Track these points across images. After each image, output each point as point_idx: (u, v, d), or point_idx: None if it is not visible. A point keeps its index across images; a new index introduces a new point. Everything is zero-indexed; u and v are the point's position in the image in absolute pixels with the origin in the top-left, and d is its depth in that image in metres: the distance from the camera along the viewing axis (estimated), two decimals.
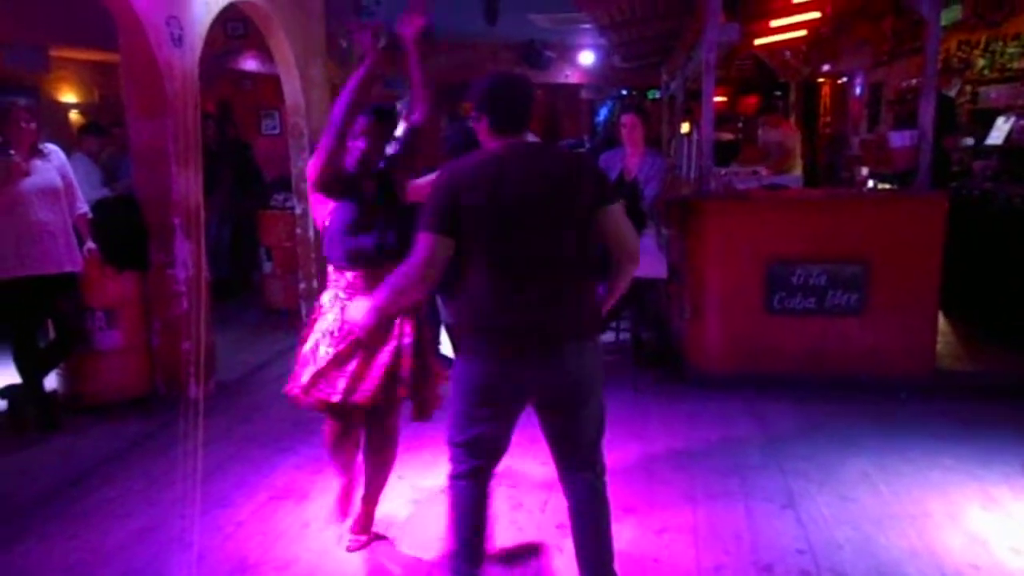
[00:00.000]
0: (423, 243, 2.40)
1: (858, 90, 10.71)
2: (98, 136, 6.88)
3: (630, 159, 5.18)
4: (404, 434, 3.16)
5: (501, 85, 2.51)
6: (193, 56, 4.94)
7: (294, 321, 6.41)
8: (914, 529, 3.21)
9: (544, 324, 2.40)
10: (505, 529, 3.28)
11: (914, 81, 7.81)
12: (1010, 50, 6.95)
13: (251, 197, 7.66)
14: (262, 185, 7.82)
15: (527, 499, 3.54)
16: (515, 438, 4.20)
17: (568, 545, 3.14)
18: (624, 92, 15.50)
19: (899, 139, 6.79)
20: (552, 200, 2.40)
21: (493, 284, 2.41)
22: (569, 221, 2.42)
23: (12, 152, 4.27)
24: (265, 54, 7.05)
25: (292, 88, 6.58)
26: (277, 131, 8.24)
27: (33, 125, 4.38)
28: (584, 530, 2.61)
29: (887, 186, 7.01)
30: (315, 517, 3.41)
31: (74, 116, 9.13)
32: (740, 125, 14.61)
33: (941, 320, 5.12)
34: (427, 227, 2.40)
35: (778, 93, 12.91)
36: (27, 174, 4.29)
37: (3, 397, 4.72)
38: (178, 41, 4.75)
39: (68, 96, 9.20)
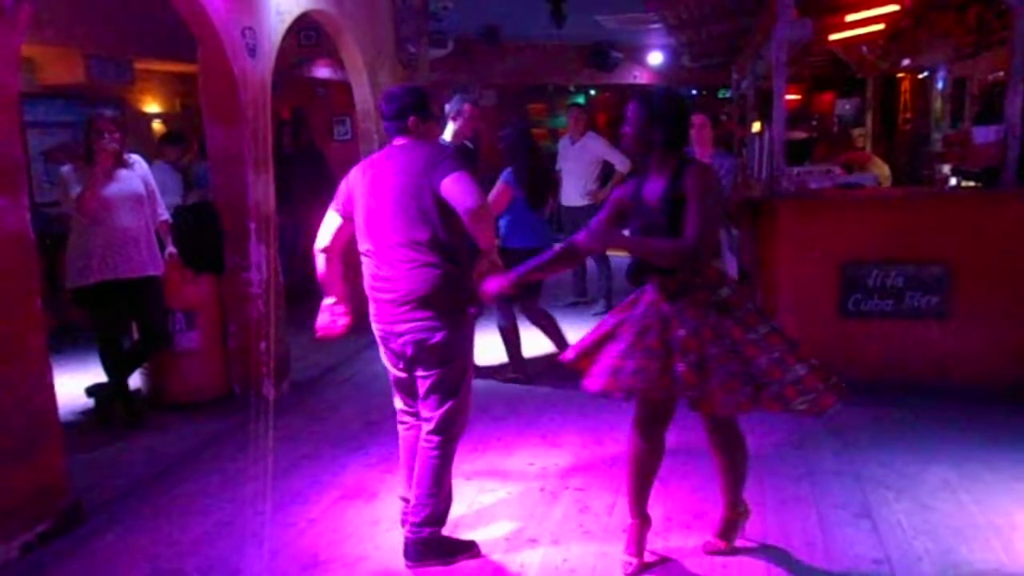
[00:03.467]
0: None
1: (940, 84, 10.32)
2: (177, 144, 7.14)
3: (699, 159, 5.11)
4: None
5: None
6: (266, 65, 5.09)
7: (364, 322, 6.49)
8: (999, 541, 3.08)
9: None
10: (572, 532, 3.27)
11: (1001, 73, 7.48)
12: None
13: (325, 202, 7.81)
14: (335, 190, 7.97)
15: (594, 503, 3.52)
16: (581, 440, 4.23)
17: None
18: (694, 92, 15.31)
19: (983, 134, 6.52)
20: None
21: None
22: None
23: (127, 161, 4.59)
24: (337, 61, 7.20)
25: (362, 94, 6.71)
26: (348, 136, 8.35)
27: (118, 135, 4.55)
28: None
29: (970, 184, 6.73)
30: (384, 515, 3.46)
31: (157, 125, 9.47)
32: (814, 123, 14.24)
33: None
34: None
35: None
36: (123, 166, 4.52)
37: (90, 395, 4.93)
38: (252, 51, 4.89)
39: (151, 106, 9.55)
